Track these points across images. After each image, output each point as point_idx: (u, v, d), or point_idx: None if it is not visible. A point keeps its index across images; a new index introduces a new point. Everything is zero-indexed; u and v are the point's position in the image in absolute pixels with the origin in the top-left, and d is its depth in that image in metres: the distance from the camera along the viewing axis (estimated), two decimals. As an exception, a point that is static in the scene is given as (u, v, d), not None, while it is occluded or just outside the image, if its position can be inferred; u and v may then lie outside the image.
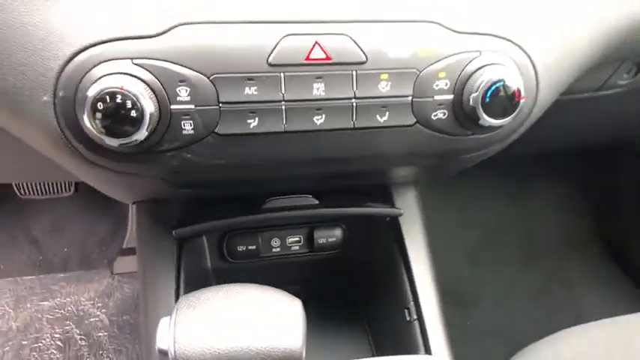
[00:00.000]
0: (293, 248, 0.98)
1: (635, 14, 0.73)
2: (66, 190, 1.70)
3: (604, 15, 0.71)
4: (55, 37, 0.55)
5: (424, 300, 0.83)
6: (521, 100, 0.62)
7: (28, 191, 1.69)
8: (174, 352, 0.48)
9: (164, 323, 0.51)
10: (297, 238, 0.98)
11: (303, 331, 0.50)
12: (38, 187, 1.69)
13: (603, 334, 0.85)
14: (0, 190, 1.78)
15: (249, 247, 0.95)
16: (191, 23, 0.56)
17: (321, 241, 0.97)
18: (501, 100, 0.61)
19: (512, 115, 0.62)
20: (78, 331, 1.58)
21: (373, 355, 0.98)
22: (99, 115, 0.52)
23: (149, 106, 0.53)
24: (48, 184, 1.67)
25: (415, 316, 0.83)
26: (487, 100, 0.60)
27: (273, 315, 0.50)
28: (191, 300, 0.51)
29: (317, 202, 0.86)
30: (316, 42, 0.58)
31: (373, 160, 0.69)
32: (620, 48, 0.76)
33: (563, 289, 1.75)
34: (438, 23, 0.62)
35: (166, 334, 0.50)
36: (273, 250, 0.97)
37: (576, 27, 0.69)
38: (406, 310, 0.85)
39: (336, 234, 0.98)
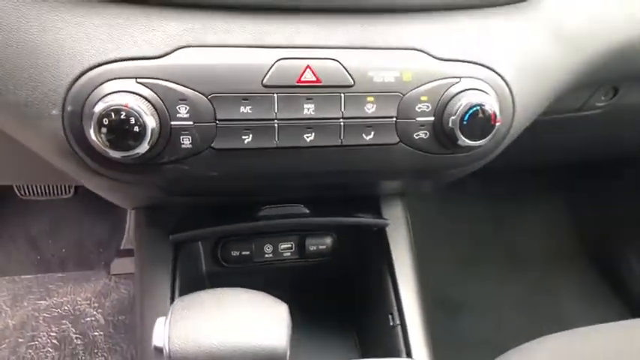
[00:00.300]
0: (285, 254, 1.02)
1: (611, 43, 0.78)
2: (65, 192, 1.74)
3: (580, 43, 0.76)
4: (65, 56, 0.60)
5: (407, 306, 0.88)
6: (498, 123, 0.66)
7: (29, 192, 1.73)
8: (169, 349, 0.53)
9: (160, 322, 0.55)
10: (289, 245, 1.02)
11: (287, 332, 0.54)
12: (38, 189, 1.73)
13: (582, 340, 0.88)
14: (0, 190, 1.82)
15: (243, 253, 0.99)
16: (191, 46, 0.61)
17: (312, 248, 1.02)
18: (478, 123, 0.65)
19: (489, 137, 0.67)
20: (74, 330, 1.62)
21: (359, 358, 1.02)
22: (104, 129, 0.57)
23: (151, 122, 0.58)
24: (48, 186, 1.71)
25: (398, 322, 0.88)
26: (465, 122, 0.65)
27: (261, 317, 0.54)
28: (186, 302, 0.56)
29: (307, 211, 0.91)
30: (308, 66, 0.63)
31: (359, 175, 0.74)
32: (595, 74, 0.81)
33: (549, 299, 1.79)
34: (422, 50, 0.67)
35: (162, 332, 0.54)
36: (266, 255, 1.01)
37: (552, 54, 0.74)
38: (390, 316, 0.90)
39: (326, 242, 1.02)
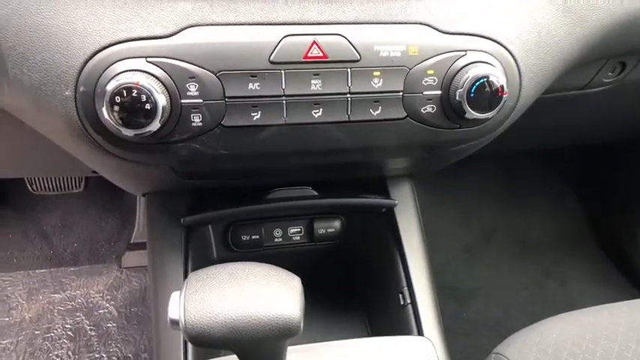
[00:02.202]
0: (294, 238, 1.03)
1: (616, 15, 0.78)
2: (76, 187, 1.76)
3: (585, 15, 0.76)
4: (76, 38, 0.61)
5: (417, 285, 0.88)
6: (504, 95, 0.67)
7: (40, 187, 1.75)
8: (185, 321, 0.53)
9: (175, 296, 0.56)
10: (298, 229, 1.03)
11: (301, 303, 0.55)
12: (49, 184, 1.75)
13: (590, 319, 0.89)
14: (13, 186, 1.84)
15: (253, 237, 1.00)
16: (199, 25, 0.62)
17: (321, 231, 1.02)
18: (485, 95, 0.66)
19: (496, 109, 0.67)
20: (88, 322, 1.64)
21: (369, 337, 1.03)
22: (116, 107, 0.58)
23: (162, 100, 0.59)
24: (59, 180, 1.73)
25: (409, 300, 0.88)
26: (472, 95, 0.65)
27: (275, 288, 0.55)
28: (200, 275, 0.57)
29: (316, 193, 0.91)
30: (314, 42, 0.63)
31: (367, 151, 0.75)
32: (603, 47, 0.81)
33: (558, 283, 1.79)
34: (427, 24, 0.67)
35: (177, 305, 0.55)
36: (275, 240, 1.02)
37: (558, 27, 0.74)
38: (400, 295, 0.90)
39: (335, 225, 1.03)
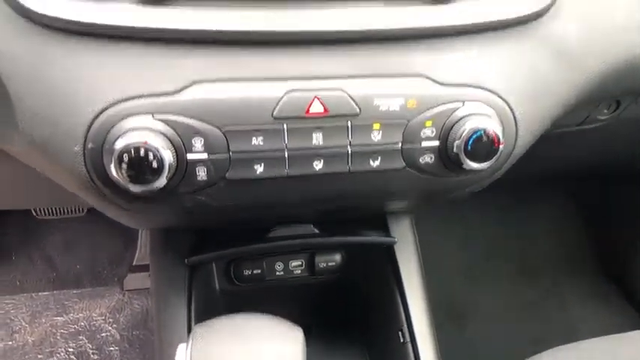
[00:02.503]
0: (295, 272, 1.05)
1: (612, 60, 0.80)
2: (79, 211, 1.78)
3: (581, 63, 0.78)
4: (84, 94, 0.62)
5: (417, 324, 0.89)
6: (501, 146, 0.68)
7: (44, 212, 1.77)
8: (191, 376, 0.55)
9: (182, 349, 0.57)
10: (299, 263, 1.05)
11: (303, 358, 0.57)
12: (53, 209, 1.77)
13: (596, 352, 0.90)
14: (16, 210, 1.86)
15: (255, 271, 1.02)
16: (205, 81, 0.64)
17: (322, 265, 1.04)
18: (482, 147, 0.67)
19: (493, 160, 0.69)
20: (90, 346, 1.65)
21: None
22: (124, 166, 0.60)
23: (168, 157, 0.61)
24: (62, 206, 1.75)
25: (408, 339, 0.90)
26: (469, 147, 0.67)
27: (278, 344, 0.57)
28: (205, 329, 0.58)
29: (317, 231, 0.93)
30: (315, 97, 0.65)
31: (367, 197, 0.76)
32: (597, 91, 0.82)
33: (558, 305, 1.80)
34: (425, 76, 0.69)
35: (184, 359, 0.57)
36: (277, 273, 1.04)
37: (554, 75, 0.75)
38: (400, 332, 0.92)
39: (336, 258, 1.05)
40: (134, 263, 1.85)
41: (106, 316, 1.74)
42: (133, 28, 0.62)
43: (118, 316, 1.74)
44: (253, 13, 0.64)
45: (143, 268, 1.83)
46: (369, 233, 0.96)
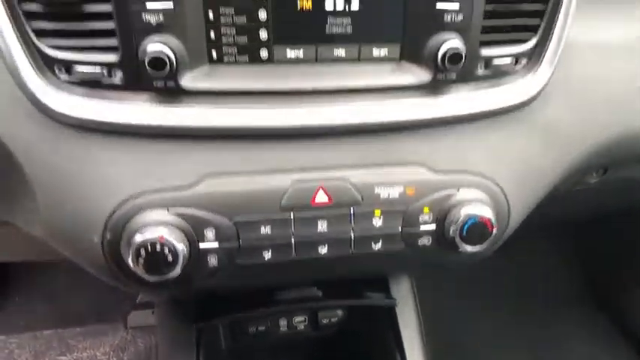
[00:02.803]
0: (299, 327, 1.09)
1: (598, 141, 0.84)
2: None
3: (571, 145, 0.82)
4: (103, 189, 0.67)
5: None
6: (494, 230, 0.73)
7: (49, 251, 1.80)
8: None
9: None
10: (303, 318, 1.09)
11: None
12: (58, 248, 1.80)
13: None
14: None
15: (259, 328, 1.05)
16: (215, 175, 0.68)
17: (324, 321, 1.08)
18: (477, 232, 0.72)
19: (487, 243, 0.73)
20: (94, 386, 1.67)
21: None
22: (141, 260, 0.64)
23: (183, 250, 0.65)
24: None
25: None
26: (464, 232, 0.71)
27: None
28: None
29: (320, 293, 0.97)
30: (320, 187, 0.70)
31: (368, 273, 0.80)
32: (585, 167, 0.87)
33: (558, 343, 1.83)
34: (423, 165, 0.74)
35: None
36: (281, 329, 1.08)
37: (543, 158, 0.80)
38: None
39: (338, 314, 1.09)
40: (138, 300, 1.87)
41: (109, 355, 1.76)
42: (148, 126, 0.66)
43: (121, 354, 1.76)
44: (260, 110, 0.69)
45: (147, 305, 1.85)
46: (370, 294, 1.00)
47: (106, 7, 0.62)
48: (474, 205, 0.72)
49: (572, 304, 1.91)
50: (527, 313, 1.88)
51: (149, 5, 0.62)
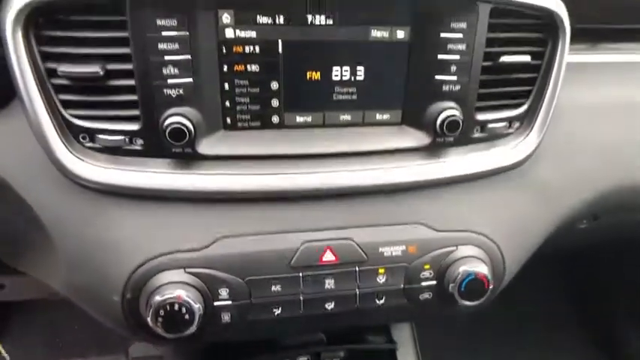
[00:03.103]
0: None
1: (587, 197, 0.90)
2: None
3: (562, 201, 0.88)
4: (125, 250, 0.71)
5: None
6: (490, 286, 0.77)
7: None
8: None
9: None
10: (306, 358, 1.12)
11: None
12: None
13: None
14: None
15: None
16: (230, 237, 0.73)
17: (327, 361, 1.11)
18: (474, 288, 0.77)
19: (484, 298, 0.78)
20: (96, 418, 1.68)
21: None
22: (160, 319, 0.68)
23: (199, 310, 0.69)
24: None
25: None
26: (463, 288, 0.76)
27: None
28: None
29: (325, 339, 1.01)
30: (328, 247, 0.74)
31: (371, 324, 0.84)
32: (575, 218, 0.92)
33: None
34: (423, 224, 0.78)
35: None
36: (285, 369, 1.11)
37: (536, 215, 0.86)
38: None
39: (340, 354, 1.12)
40: (139, 332, 1.89)
41: (111, 387, 1.77)
42: (166, 190, 0.71)
43: (123, 386, 1.77)
44: (271, 174, 0.73)
45: (148, 336, 1.87)
46: (372, 339, 1.04)
47: (129, 82, 0.67)
48: (471, 262, 0.77)
49: (563, 334, 1.94)
50: (519, 344, 1.91)
51: (170, 80, 0.67)
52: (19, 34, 0.62)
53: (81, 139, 0.69)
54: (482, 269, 0.76)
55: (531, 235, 0.85)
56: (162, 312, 0.67)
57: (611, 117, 0.89)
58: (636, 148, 0.90)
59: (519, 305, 1.97)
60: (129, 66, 0.66)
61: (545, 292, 2.01)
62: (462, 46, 0.73)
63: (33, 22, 0.63)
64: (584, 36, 0.87)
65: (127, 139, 0.69)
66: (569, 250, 1.40)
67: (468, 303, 0.77)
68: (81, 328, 1.91)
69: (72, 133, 0.68)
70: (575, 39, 0.79)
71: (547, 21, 0.76)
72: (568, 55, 0.79)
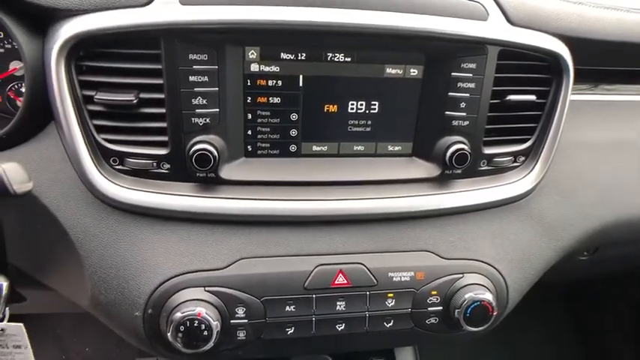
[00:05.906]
0: None
1: (588, 229, 0.93)
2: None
3: (562, 233, 0.91)
4: (147, 268, 0.75)
5: None
6: (495, 313, 0.81)
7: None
8: None
9: None
10: None
11: None
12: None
13: None
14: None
15: None
16: (248, 258, 0.76)
17: (332, 381, 1.13)
18: (479, 314, 0.80)
19: (488, 324, 0.81)
20: None
21: None
22: (180, 334, 0.71)
23: (216, 326, 0.72)
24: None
25: None
26: (468, 314, 0.79)
27: None
28: None
29: None
30: (340, 271, 0.78)
31: (378, 346, 0.88)
32: (576, 249, 0.96)
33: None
34: (432, 252, 0.82)
35: None
36: (290, 389, 1.13)
37: (538, 244, 0.89)
38: None
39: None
40: (143, 347, 1.90)
41: (113, 401, 1.78)
42: (190, 212, 0.75)
43: (125, 401, 1.78)
44: (288, 200, 0.77)
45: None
46: (376, 360, 1.07)
47: (160, 110, 0.72)
48: (476, 289, 0.80)
49: (563, 353, 1.95)
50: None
51: (198, 110, 0.72)
52: (62, 64, 0.67)
53: (111, 162, 0.74)
54: (487, 296, 0.80)
55: (533, 264, 0.88)
56: (182, 328, 0.71)
57: (611, 154, 0.93)
58: (633, 185, 0.94)
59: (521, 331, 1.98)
60: (160, 95, 0.71)
61: (545, 317, 2.02)
62: (471, 85, 0.78)
63: (75, 53, 0.68)
64: (586, 77, 0.92)
65: (154, 163, 0.74)
66: (570, 280, 1.43)
67: (472, 328, 0.80)
68: (84, 344, 1.92)
69: (103, 156, 0.73)
70: (577, 79, 0.84)
71: (552, 62, 0.81)
72: (571, 95, 0.83)
